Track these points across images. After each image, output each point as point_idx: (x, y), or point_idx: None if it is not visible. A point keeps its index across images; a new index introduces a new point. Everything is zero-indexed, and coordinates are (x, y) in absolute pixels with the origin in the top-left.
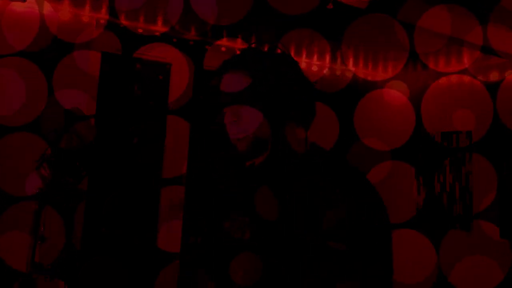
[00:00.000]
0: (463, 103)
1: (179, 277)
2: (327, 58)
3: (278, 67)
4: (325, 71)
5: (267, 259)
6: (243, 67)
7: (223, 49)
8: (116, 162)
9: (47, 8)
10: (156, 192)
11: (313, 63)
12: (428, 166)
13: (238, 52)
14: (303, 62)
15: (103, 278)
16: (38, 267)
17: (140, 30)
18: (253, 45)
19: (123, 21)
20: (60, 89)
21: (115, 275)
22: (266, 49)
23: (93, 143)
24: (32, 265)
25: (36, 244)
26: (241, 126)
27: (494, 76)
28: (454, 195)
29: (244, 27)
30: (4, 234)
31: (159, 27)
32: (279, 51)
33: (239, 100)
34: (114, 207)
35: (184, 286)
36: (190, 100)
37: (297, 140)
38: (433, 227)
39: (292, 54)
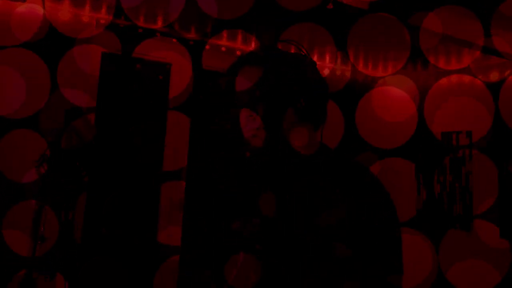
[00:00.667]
0: (464, 102)
1: (179, 277)
2: (327, 58)
3: (292, 67)
4: (325, 71)
5: (268, 259)
6: (257, 64)
7: (223, 49)
8: (116, 162)
9: (48, 8)
10: (156, 192)
11: None
12: (429, 166)
13: (238, 53)
14: None
15: (103, 278)
16: (38, 266)
17: (140, 30)
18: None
19: (123, 21)
20: (60, 89)
21: (115, 275)
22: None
23: (93, 142)
24: (32, 264)
25: (36, 244)
26: (257, 122)
27: (494, 76)
28: (454, 195)
29: (245, 25)
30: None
31: (159, 27)
32: (293, 50)
33: (244, 98)
34: (114, 207)
35: (184, 286)
36: (190, 98)
37: (305, 141)
38: (433, 227)
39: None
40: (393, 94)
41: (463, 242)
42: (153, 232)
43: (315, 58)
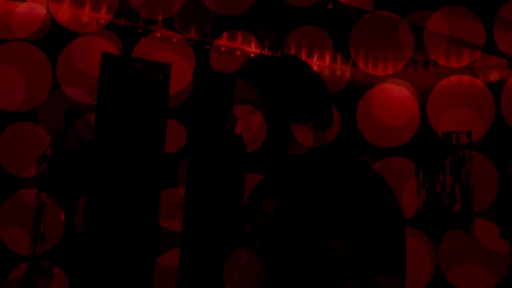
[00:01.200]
0: (464, 102)
1: (179, 277)
2: (327, 58)
3: (288, 70)
4: (325, 71)
5: (268, 259)
6: (253, 72)
7: (223, 49)
8: (116, 162)
9: (48, 8)
10: (156, 192)
11: (313, 63)
12: (429, 166)
13: (238, 53)
14: None
15: (103, 278)
16: (38, 266)
17: (140, 30)
18: (264, 51)
19: (123, 21)
20: (60, 86)
21: (115, 274)
22: (275, 52)
23: (93, 142)
24: (32, 264)
25: (36, 244)
26: (252, 133)
27: (494, 76)
28: (454, 195)
29: (245, 25)
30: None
31: (160, 27)
32: (289, 53)
33: (245, 99)
34: (114, 207)
35: (184, 286)
36: (190, 98)
37: (307, 141)
38: (433, 226)
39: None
40: (394, 93)
41: (463, 242)
42: (153, 232)
43: (315, 58)
